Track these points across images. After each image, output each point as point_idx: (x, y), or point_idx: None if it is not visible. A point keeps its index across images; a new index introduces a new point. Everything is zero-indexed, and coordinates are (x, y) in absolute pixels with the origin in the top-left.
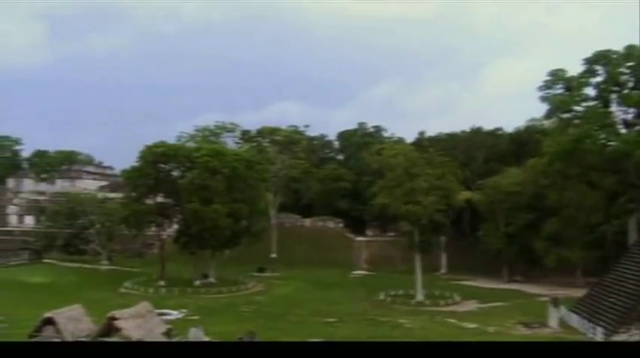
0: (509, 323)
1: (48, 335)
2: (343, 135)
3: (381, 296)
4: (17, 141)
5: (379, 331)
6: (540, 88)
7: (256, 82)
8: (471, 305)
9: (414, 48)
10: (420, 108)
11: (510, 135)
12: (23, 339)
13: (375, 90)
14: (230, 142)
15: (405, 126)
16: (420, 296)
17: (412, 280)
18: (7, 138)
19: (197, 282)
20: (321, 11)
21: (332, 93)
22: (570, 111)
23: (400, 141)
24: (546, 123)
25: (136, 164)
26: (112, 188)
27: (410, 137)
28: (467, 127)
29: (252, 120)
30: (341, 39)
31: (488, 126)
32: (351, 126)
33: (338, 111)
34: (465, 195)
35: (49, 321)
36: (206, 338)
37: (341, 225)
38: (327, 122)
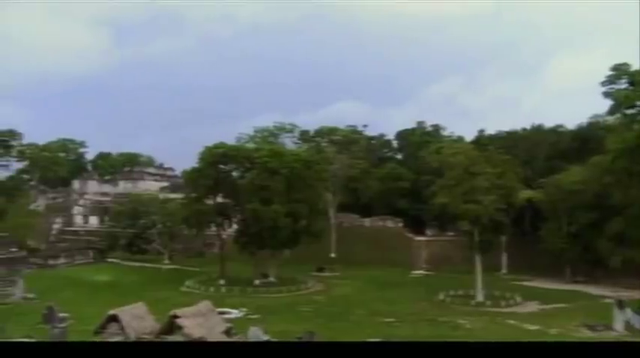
0: (571, 325)
1: (112, 331)
2: (402, 135)
3: (441, 297)
4: (82, 144)
5: (438, 331)
6: (603, 83)
7: (315, 82)
8: (533, 307)
9: (474, 45)
10: (480, 106)
11: (572, 132)
12: (89, 336)
13: (434, 88)
14: (289, 143)
15: (464, 124)
16: (480, 297)
17: (472, 280)
18: (72, 141)
19: (257, 282)
20: (378, 10)
21: (391, 93)
22: (635, 106)
23: (459, 139)
24: (610, 119)
25: (196, 165)
26: (173, 189)
27: (469, 135)
28: (527, 125)
29: (311, 121)
30: (400, 38)
31: (549, 123)
32: (410, 125)
33: (397, 111)
34: (526, 193)
35: (113, 318)
36: (266, 338)
37: (400, 224)
38: (386, 121)
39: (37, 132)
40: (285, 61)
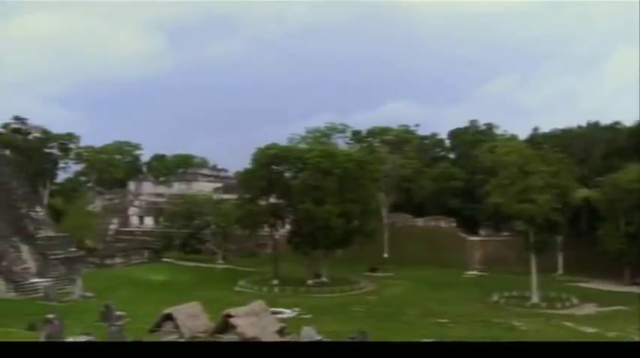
0: (630, 328)
1: (167, 330)
2: (454, 134)
3: (495, 298)
4: (137, 147)
5: (492, 333)
6: None
7: (368, 82)
8: (590, 309)
9: (529, 41)
10: (535, 104)
11: (630, 129)
12: (144, 334)
13: (487, 86)
14: (341, 143)
15: (519, 122)
16: (535, 298)
17: (527, 281)
18: (127, 143)
19: (310, 282)
20: (430, 9)
21: (444, 92)
22: None
23: (513, 138)
24: None
25: (249, 166)
26: (227, 190)
27: (524, 134)
28: (583, 122)
29: (365, 120)
30: (452, 36)
31: (606, 120)
32: (463, 124)
33: (450, 110)
34: (582, 192)
35: (169, 317)
36: (318, 337)
37: (453, 224)
38: (439, 121)
39: (94, 135)
40: (338, 61)
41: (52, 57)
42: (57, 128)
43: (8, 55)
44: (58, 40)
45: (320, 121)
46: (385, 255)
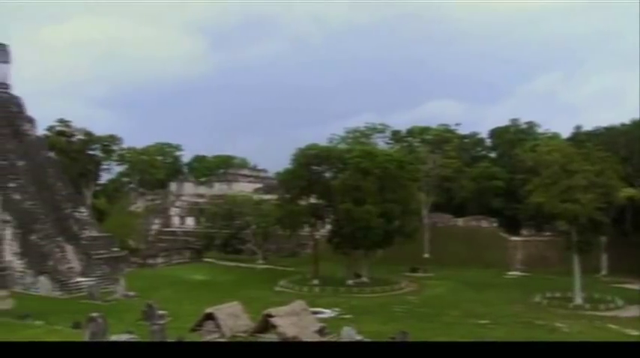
0: None
1: (208, 329)
2: (495, 133)
3: (537, 299)
4: (177, 148)
5: (534, 334)
6: None
7: (408, 81)
8: (635, 311)
9: (573, 37)
10: (579, 101)
11: None
12: (186, 333)
13: (530, 84)
14: (381, 143)
15: (561, 120)
16: (578, 300)
17: (570, 282)
18: (168, 144)
19: (350, 282)
20: (470, 6)
21: (484, 90)
22: None
23: (555, 136)
24: None
25: (289, 166)
26: (267, 190)
27: (566, 132)
28: (628, 120)
29: (404, 120)
30: (494, 34)
31: None
32: (505, 122)
33: (491, 108)
34: (626, 192)
35: (210, 317)
36: (359, 337)
37: (495, 224)
38: (480, 119)
39: (136, 136)
40: (377, 60)
41: (95, 60)
42: (99, 130)
43: (53, 59)
44: (101, 43)
45: (359, 121)
46: (426, 255)
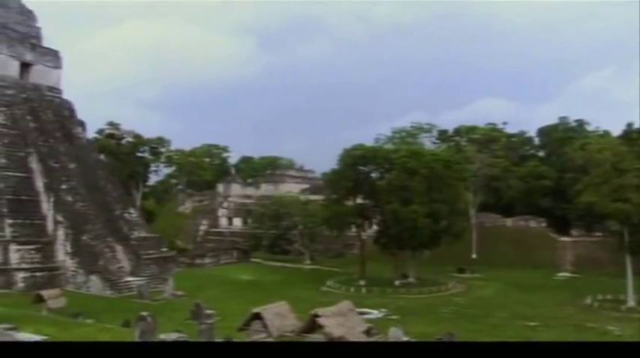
0: None
1: (256, 329)
2: (544, 131)
3: (588, 301)
4: (225, 149)
5: (585, 337)
6: None
7: (454, 81)
8: None
9: (624, 33)
10: (631, 98)
11: None
12: (233, 332)
13: (579, 82)
14: (427, 143)
15: (611, 118)
16: (631, 302)
17: (622, 284)
18: (216, 146)
19: (397, 282)
20: (518, 5)
21: (532, 89)
22: None
23: (606, 134)
24: None
25: (335, 167)
26: (314, 190)
27: (617, 130)
28: None
29: (451, 119)
30: (543, 32)
31: None
32: (554, 121)
33: (539, 107)
34: None
35: (257, 316)
36: (406, 338)
37: (544, 224)
38: (528, 118)
39: (184, 138)
40: (423, 60)
41: (143, 62)
42: (148, 132)
43: (103, 62)
44: (149, 46)
45: (406, 121)
46: (473, 256)
